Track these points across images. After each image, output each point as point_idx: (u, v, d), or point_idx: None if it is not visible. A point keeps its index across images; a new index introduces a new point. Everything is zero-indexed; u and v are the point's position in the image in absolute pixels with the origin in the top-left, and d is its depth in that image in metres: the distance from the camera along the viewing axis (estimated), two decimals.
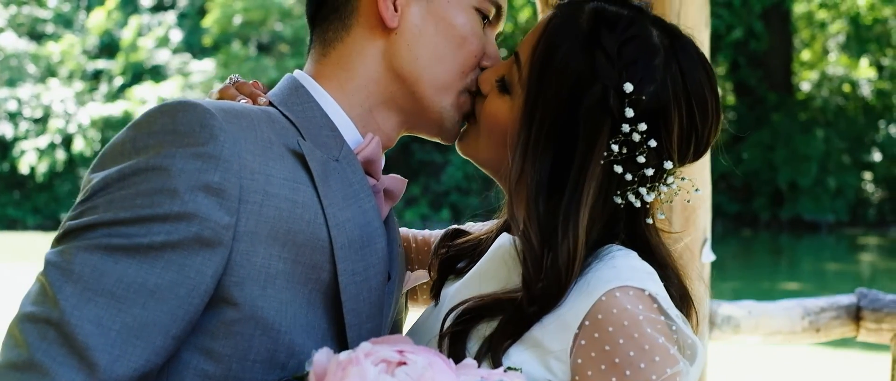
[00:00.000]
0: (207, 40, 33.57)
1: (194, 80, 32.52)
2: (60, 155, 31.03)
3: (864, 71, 33.80)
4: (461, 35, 1.92)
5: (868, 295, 4.34)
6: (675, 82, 1.78)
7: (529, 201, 1.75)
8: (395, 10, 1.88)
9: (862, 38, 32.80)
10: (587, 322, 1.64)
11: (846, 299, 4.37)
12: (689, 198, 1.89)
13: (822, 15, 33.94)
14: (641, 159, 1.74)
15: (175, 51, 34.13)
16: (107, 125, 31.10)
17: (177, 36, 34.66)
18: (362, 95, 1.92)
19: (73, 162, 31.37)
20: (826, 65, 35.13)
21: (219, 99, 1.92)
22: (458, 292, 1.97)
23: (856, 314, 4.32)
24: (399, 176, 1.99)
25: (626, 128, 1.73)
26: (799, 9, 33.99)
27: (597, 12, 1.81)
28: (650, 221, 1.84)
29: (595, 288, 1.66)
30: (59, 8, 35.05)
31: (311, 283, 1.73)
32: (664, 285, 1.78)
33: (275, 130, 1.76)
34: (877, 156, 33.16)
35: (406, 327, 2.14)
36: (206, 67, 32.90)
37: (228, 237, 1.62)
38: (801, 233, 30.96)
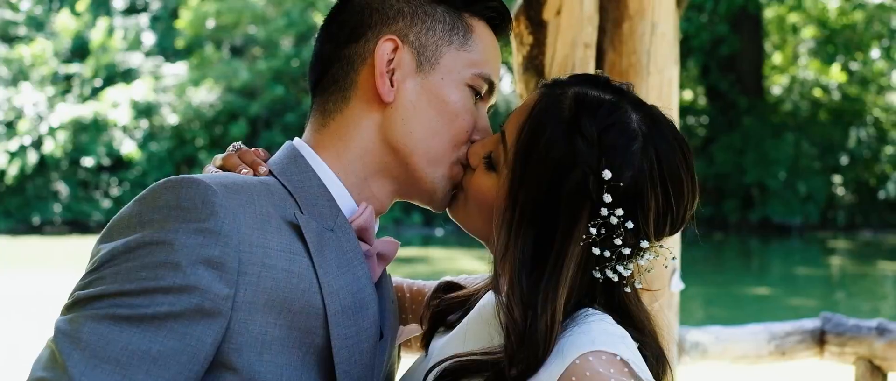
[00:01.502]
0: (180, 43, 33.51)
1: (167, 83, 32.44)
2: (32, 157, 30.86)
3: (835, 75, 34.12)
4: (454, 111, 2.01)
5: (832, 319, 4.47)
6: (653, 167, 1.85)
7: (513, 276, 1.83)
8: (392, 86, 1.97)
9: (832, 43, 33.11)
10: None
11: (811, 323, 4.50)
12: (665, 264, 1.97)
13: (793, 19, 34.21)
14: (618, 241, 1.83)
15: (148, 54, 34.02)
16: (78, 128, 30.97)
17: (149, 39, 34.57)
18: (358, 164, 2.01)
19: (45, 164, 31.22)
20: (797, 69, 35.44)
21: (221, 167, 2.03)
22: (444, 347, 2.05)
23: (820, 338, 4.46)
24: (391, 239, 2.08)
25: (604, 212, 1.81)
26: (770, 13, 34.27)
27: (579, 98, 1.89)
28: (628, 290, 1.92)
29: (568, 352, 1.74)
30: (32, 11, 34.86)
31: (306, 347, 1.83)
32: (641, 348, 1.86)
33: (273, 203, 1.86)
34: (846, 160, 33.48)
35: (398, 375, 2.24)
36: (178, 70, 32.83)
37: (227, 307, 1.71)
38: (771, 236, 31.23)
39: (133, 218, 1.75)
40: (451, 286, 2.28)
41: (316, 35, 2.12)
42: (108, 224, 1.79)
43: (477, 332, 2.01)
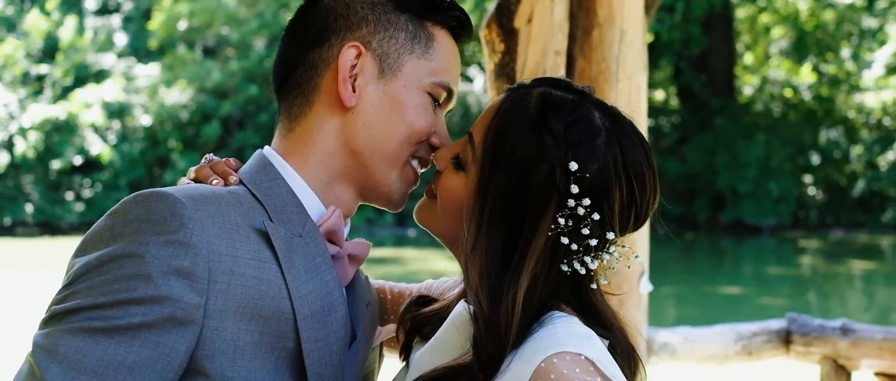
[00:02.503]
0: (153, 44, 33.38)
1: (140, 84, 32.30)
2: (3, 158, 30.67)
3: (806, 76, 34.37)
4: (413, 116, 2.06)
5: (798, 320, 4.56)
6: (617, 160, 1.92)
7: (482, 269, 1.89)
8: (354, 91, 2.03)
9: (803, 44, 33.33)
10: None
11: (776, 323, 4.58)
12: (629, 264, 2.04)
13: (764, 19, 34.43)
14: (585, 231, 1.89)
15: (120, 54, 33.87)
16: (50, 128, 30.80)
17: (122, 39, 34.43)
18: (321, 169, 2.07)
19: (16, 165, 31.03)
20: (768, 69, 35.68)
21: (194, 178, 2.08)
22: (420, 359, 2.11)
23: (786, 338, 4.54)
24: (363, 240, 2.15)
25: (571, 203, 1.88)
26: (741, 13, 34.48)
27: (544, 96, 1.96)
28: (595, 286, 1.98)
29: (534, 355, 1.79)
30: (3, 11, 34.63)
31: (278, 351, 1.88)
32: (612, 346, 1.92)
33: (241, 212, 1.91)
34: (817, 160, 33.74)
35: (384, 377, 2.30)
36: (151, 71, 32.70)
37: (199, 315, 1.77)
38: (743, 236, 31.41)
39: (105, 232, 1.81)
40: (425, 301, 2.33)
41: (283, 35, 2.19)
42: (82, 239, 1.85)
43: (450, 340, 2.06)
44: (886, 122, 33.76)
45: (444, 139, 2.14)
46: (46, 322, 1.77)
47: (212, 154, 2.19)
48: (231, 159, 2.13)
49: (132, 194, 1.86)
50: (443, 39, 2.14)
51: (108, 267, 1.75)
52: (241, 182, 2.03)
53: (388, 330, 2.37)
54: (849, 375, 4.42)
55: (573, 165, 1.87)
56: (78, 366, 1.69)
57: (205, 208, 1.85)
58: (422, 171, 2.17)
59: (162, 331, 1.73)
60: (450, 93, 2.16)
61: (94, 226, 1.84)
